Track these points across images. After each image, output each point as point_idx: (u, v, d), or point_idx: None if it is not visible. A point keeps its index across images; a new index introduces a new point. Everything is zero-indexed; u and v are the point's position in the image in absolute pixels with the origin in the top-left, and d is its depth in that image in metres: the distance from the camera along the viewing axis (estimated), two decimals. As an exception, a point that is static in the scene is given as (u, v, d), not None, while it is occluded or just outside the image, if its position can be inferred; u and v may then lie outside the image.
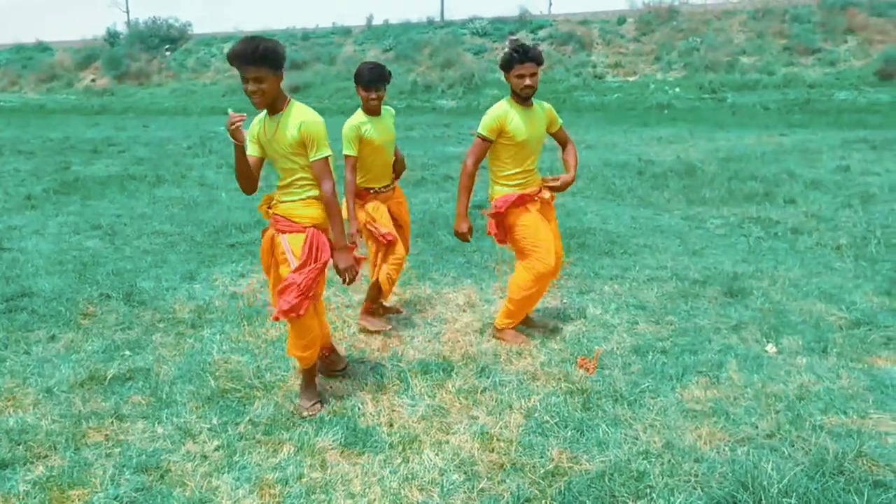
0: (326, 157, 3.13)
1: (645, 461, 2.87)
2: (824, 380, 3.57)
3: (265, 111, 3.14)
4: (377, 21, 33.44)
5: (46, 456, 2.95)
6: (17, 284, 5.15)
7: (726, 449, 2.95)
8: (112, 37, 35.20)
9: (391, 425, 3.20)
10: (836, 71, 23.18)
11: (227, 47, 33.07)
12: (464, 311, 4.72)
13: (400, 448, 3.00)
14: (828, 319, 4.39)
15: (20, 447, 3.00)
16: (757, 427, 3.12)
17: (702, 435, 3.06)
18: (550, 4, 40.65)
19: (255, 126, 3.21)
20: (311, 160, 3.11)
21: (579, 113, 19.95)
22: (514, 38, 28.65)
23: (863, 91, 21.10)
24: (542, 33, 29.20)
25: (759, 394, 3.43)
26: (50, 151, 13.39)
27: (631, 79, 25.62)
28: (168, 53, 33.75)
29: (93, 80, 33.21)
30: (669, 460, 2.87)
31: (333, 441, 3.05)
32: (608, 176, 9.89)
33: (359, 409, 3.33)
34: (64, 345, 4.12)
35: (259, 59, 2.89)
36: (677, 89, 23.57)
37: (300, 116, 3.08)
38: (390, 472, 2.84)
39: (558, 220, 7.06)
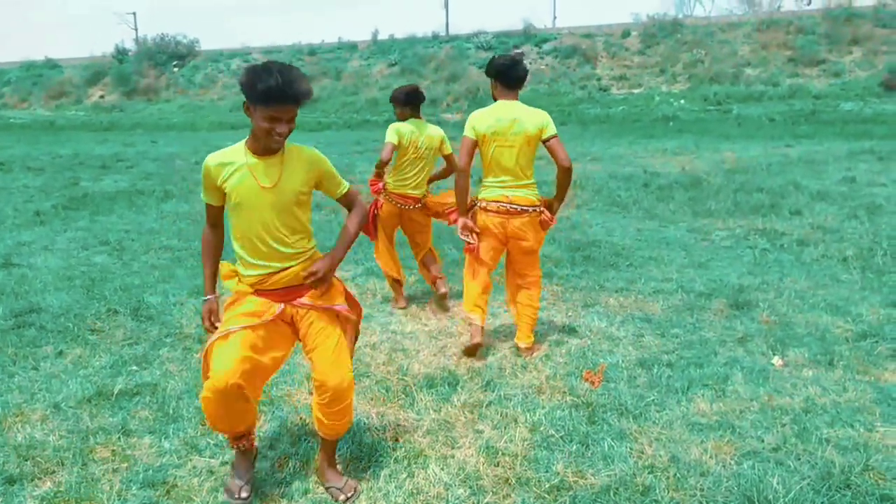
0: (350, 186, 2.79)
1: (651, 475, 2.86)
2: (830, 393, 3.56)
3: (230, 155, 2.61)
4: (383, 36, 33.74)
5: (54, 471, 2.97)
6: (26, 300, 5.19)
7: (732, 463, 2.94)
8: (121, 53, 35.65)
9: (396, 440, 3.20)
10: (842, 82, 23.21)
11: (234, 64, 33.41)
12: (469, 324, 4.72)
13: (405, 463, 3.01)
14: (834, 332, 4.37)
15: (28, 462, 3.02)
16: (763, 440, 3.11)
17: (708, 448, 3.05)
18: (555, 18, 40.88)
19: (226, 172, 2.57)
20: (338, 196, 2.75)
21: (584, 125, 19.99)
22: (518, 51, 28.82)
23: (868, 102, 21.11)
24: (546, 47, 29.38)
25: (764, 407, 3.42)
26: (59, 167, 13.52)
27: (636, 91, 25.71)
28: (176, 70, 34.11)
29: (101, 97, 33.58)
30: (675, 474, 2.87)
31: (339, 455, 3.06)
32: (613, 188, 9.91)
33: (364, 423, 3.34)
34: (72, 360, 4.15)
35: (307, 96, 2.47)
36: (682, 101, 23.64)
37: (306, 154, 2.66)
38: (395, 486, 2.84)
39: (563, 232, 7.11)
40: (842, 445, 3.04)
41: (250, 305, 2.64)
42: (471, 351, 4.15)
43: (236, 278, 2.70)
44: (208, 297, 2.80)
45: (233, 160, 2.58)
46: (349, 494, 2.77)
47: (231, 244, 2.70)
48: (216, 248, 2.80)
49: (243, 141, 2.64)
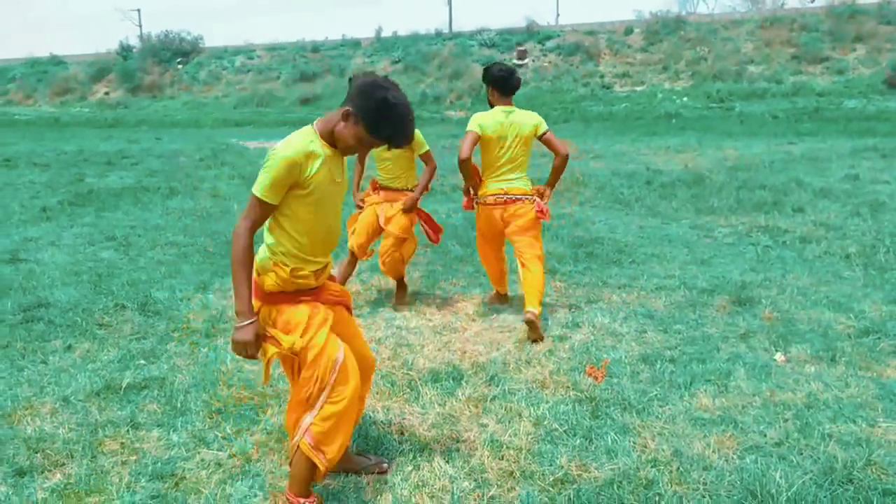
0: None
1: (654, 469, 2.89)
2: (833, 388, 3.58)
3: (311, 144, 2.41)
4: (386, 33, 33.70)
5: (64, 464, 3.01)
6: (34, 295, 5.23)
7: (735, 457, 2.97)
8: (125, 50, 35.66)
9: (402, 433, 3.23)
10: (845, 79, 23.15)
11: (238, 61, 33.42)
12: (473, 320, 4.76)
13: (411, 456, 3.04)
14: (836, 328, 4.39)
15: (38, 455, 3.06)
16: (765, 435, 3.14)
17: (710, 443, 3.08)
18: (558, 15, 40.78)
19: (315, 164, 2.39)
20: None
21: (587, 123, 19.98)
22: (521, 48, 28.79)
23: (872, 99, 21.07)
24: (549, 44, 29.33)
25: (767, 402, 3.45)
26: (64, 164, 13.56)
27: (638, 88, 25.67)
28: (180, 66, 34.13)
29: (106, 93, 33.62)
30: (678, 468, 2.89)
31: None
32: (616, 185, 9.92)
33: (370, 417, 3.37)
34: (80, 354, 4.19)
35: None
36: (685, 98, 23.61)
37: None
38: (401, 479, 2.87)
39: (567, 229, 7.13)
40: (844, 441, 3.07)
41: (320, 313, 2.52)
42: (499, 299, 5.04)
43: (282, 279, 2.48)
44: (253, 319, 2.42)
45: (316, 150, 2.39)
46: (386, 461, 2.97)
47: (265, 244, 2.50)
48: (253, 257, 2.46)
49: (310, 129, 2.46)
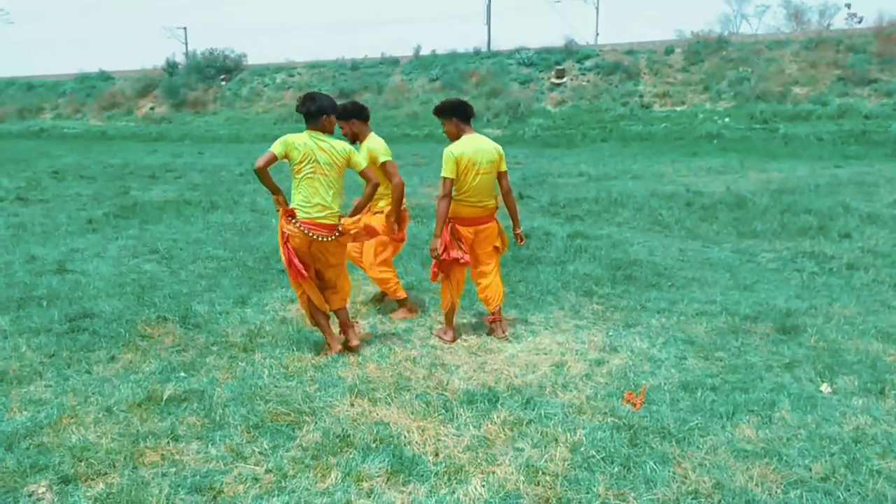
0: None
1: (694, 501, 2.83)
2: (882, 422, 3.46)
3: None
4: (425, 51, 34.04)
5: (106, 473, 3.06)
6: (80, 306, 5.37)
7: (779, 491, 2.88)
8: (171, 67, 36.66)
9: (437, 454, 3.22)
10: (894, 101, 22.58)
11: (279, 78, 34.12)
12: (509, 341, 4.73)
13: (445, 478, 3.02)
14: (885, 359, 4.25)
15: (82, 464, 3.12)
16: (811, 470, 3.04)
17: (753, 476, 3.00)
18: (597, 35, 40.69)
19: None
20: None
21: (626, 142, 19.82)
22: (560, 67, 28.79)
23: (922, 122, 20.48)
24: (588, 63, 29.28)
25: (812, 435, 3.35)
26: (110, 176, 13.97)
27: (679, 108, 25.42)
28: (223, 83, 34.94)
29: (151, 108, 34.58)
30: (720, 501, 2.82)
31: (380, 468, 3.09)
32: (655, 207, 9.80)
33: (405, 437, 3.37)
34: (123, 365, 4.28)
35: None
36: (727, 119, 23.28)
37: None
38: (436, 501, 2.86)
39: (604, 250, 7.06)
40: (894, 478, 2.96)
41: None
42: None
43: None
44: None
45: None
46: None
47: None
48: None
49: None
